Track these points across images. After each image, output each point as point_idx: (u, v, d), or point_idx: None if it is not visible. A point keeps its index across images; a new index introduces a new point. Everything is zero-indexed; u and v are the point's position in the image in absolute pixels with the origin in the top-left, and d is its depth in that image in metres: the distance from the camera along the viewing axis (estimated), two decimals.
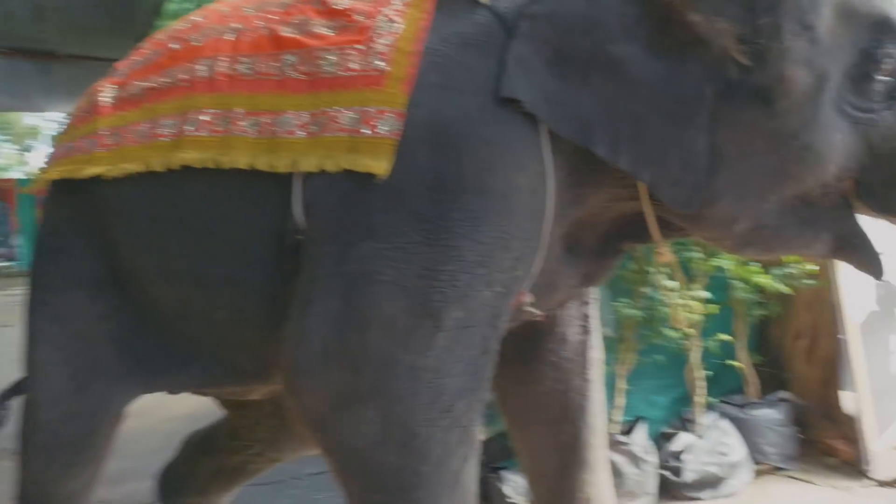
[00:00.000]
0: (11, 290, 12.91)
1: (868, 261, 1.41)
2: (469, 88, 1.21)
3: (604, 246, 1.50)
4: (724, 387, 3.39)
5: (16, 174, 22.83)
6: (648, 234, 1.41)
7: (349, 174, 1.19)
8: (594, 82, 1.22)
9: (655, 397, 3.21)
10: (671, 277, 2.67)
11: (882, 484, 2.98)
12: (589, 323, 1.76)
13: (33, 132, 27.25)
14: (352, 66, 1.22)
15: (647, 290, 2.76)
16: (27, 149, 26.92)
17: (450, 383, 1.20)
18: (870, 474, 3.01)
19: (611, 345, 2.87)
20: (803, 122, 1.22)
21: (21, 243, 16.85)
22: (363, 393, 1.20)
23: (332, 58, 1.24)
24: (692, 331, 2.86)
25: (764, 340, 3.54)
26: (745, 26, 1.17)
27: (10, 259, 16.62)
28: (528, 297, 1.34)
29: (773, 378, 3.43)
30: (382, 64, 1.20)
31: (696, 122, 1.22)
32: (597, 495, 1.71)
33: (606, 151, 1.23)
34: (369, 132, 1.17)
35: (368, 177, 1.17)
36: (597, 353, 1.81)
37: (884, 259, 1.43)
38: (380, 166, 1.15)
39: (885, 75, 1.26)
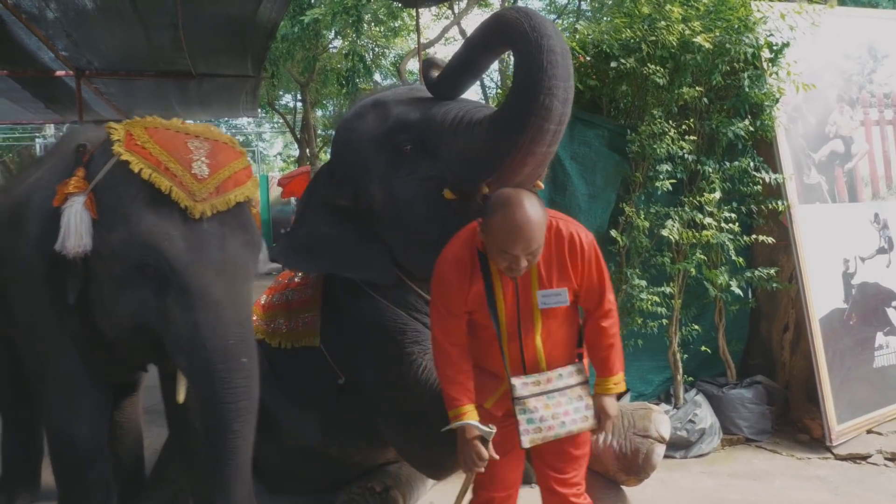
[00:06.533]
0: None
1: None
2: None
3: None
4: (715, 370, 3.95)
5: None
6: None
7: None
8: None
9: (651, 376, 3.83)
10: (640, 278, 3.29)
11: (837, 458, 3.45)
12: None
13: None
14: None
15: (625, 287, 3.38)
16: None
17: None
18: (833, 450, 3.50)
19: None
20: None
21: None
22: None
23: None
24: (665, 321, 3.47)
25: (756, 332, 4.05)
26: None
27: None
28: None
29: (759, 365, 3.95)
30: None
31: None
32: None
33: None
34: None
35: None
36: None
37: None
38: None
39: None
